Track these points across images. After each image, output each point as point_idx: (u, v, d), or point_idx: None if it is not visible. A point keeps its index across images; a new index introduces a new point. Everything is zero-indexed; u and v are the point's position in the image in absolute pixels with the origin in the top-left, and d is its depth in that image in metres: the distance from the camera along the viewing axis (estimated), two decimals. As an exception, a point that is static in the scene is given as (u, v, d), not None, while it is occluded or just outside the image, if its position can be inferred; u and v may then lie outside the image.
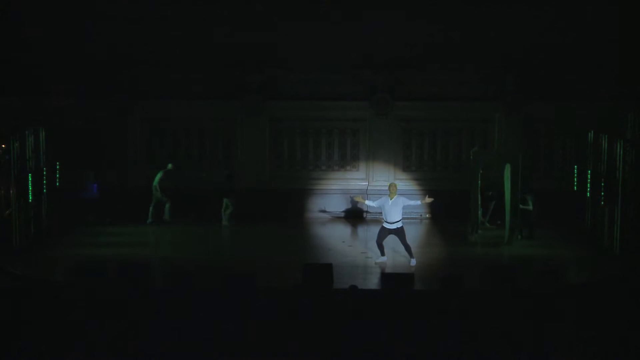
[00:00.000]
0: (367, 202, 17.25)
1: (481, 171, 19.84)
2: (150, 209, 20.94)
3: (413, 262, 16.59)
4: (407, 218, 21.43)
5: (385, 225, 16.59)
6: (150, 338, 11.90)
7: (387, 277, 14.65)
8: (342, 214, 22.29)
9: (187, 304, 13.18)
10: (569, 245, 18.89)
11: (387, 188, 18.62)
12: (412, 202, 16.90)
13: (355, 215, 22.25)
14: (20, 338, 11.88)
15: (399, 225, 16.55)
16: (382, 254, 16.74)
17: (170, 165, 21.17)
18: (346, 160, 22.76)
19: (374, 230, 17.84)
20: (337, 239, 19.74)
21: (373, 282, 15.71)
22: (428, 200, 17.12)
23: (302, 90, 22.22)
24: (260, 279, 14.27)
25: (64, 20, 21.42)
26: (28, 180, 18.26)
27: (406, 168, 22.64)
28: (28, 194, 18.24)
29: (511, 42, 21.58)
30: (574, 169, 20.50)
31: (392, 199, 16.49)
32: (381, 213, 17.00)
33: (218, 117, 22.49)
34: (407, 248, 16.63)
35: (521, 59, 21.77)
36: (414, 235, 19.98)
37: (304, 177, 22.52)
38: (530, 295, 13.91)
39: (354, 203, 21.58)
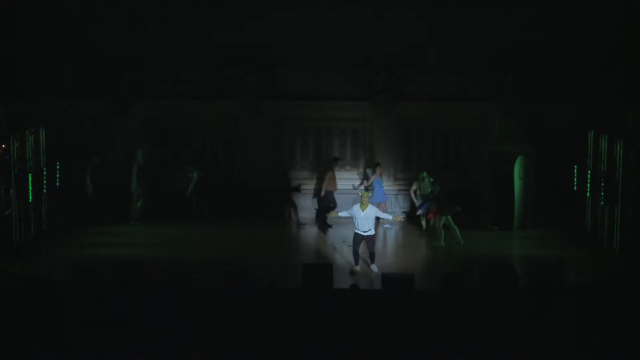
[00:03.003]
0: (339, 213, 17.02)
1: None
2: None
3: (374, 268, 16.36)
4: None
5: (358, 232, 16.31)
6: (150, 338, 11.90)
7: (387, 277, 14.65)
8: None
9: (187, 304, 13.19)
10: (569, 245, 18.89)
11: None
12: (383, 215, 16.76)
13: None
14: (20, 338, 11.88)
15: (371, 233, 16.30)
16: (357, 262, 16.47)
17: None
18: (346, 160, 22.74)
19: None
20: (337, 239, 19.73)
21: (373, 282, 15.72)
22: (398, 218, 17.22)
23: (302, 90, 22.20)
24: (260, 279, 14.29)
25: (64, 20, 21.42)
26: (28, 180, 18.26)
27: (406, 168, 22.61)
28: (28, 194, 18.24)
29: (511, 42, 21.57)
30: (574, 169, 20.51)
31: (364, 211, 16.12)
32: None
33: (218, 117, 22.47)
34: (372, 255, 16.39)
35: (521, 59, 21.76)
36: (413, 234, 19.96)
37: (304, 177, 22.48)
38: (530, 295, 13.92)
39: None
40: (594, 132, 19.22)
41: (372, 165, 21.70)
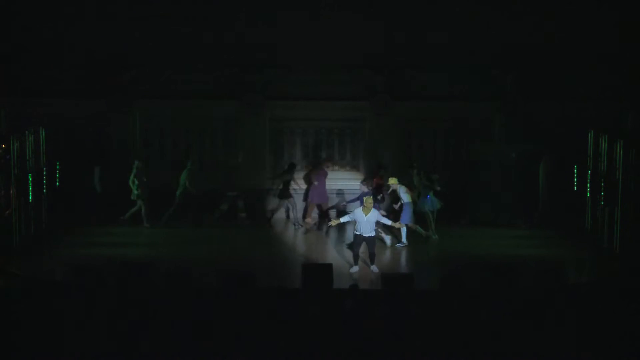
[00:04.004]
0: (341, 219, 16.96)
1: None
2: None
3: (374, 268, 16.42)
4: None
5: (359, 233, 16.40)
6: (150, 338, 11.90)
7: (387, 277, 14.65)
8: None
9: (187, 304, 13.18)
10: (569, 245, 18.90)
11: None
12: (383, 220, 16.74)
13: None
14: (20, 338, 11.88)
15: (372, 234, 16.43)
16: (356, 263, 16.56)
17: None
18: (346, 160, 22.74)
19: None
20: (336, 239, 19.72)
21: (373, 282, 15.72)
22: (397, 225, 17.19)
23: (302, 90, 22.20)
24: (260, 280, 14.28)
25: (64, 20, 21.42)
26: (28, 180, 18.26)
27: (406, 168, 22.57)
28: (28, 194, 18.24)
29: (511, 42, 21.58)
30: (574, 169, 20.52)
31: (367, 215, 16.24)
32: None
33: (218, 117, 22.48)
34: (372, 256, 16.48)
35: (521, 59, 21.77)
36: (414, 234, 19.90)
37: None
38: (530, 295, 13.91)
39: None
40: (594, 132, 19.22)
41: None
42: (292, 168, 21.22)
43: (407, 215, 18.67)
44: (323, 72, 21.95)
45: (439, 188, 19.27)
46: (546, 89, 21.84)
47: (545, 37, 21.57)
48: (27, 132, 18.46)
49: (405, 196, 18.81)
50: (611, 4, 21.17)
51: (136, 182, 20.27)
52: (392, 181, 19.08)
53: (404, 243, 18.62)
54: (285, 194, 20.86)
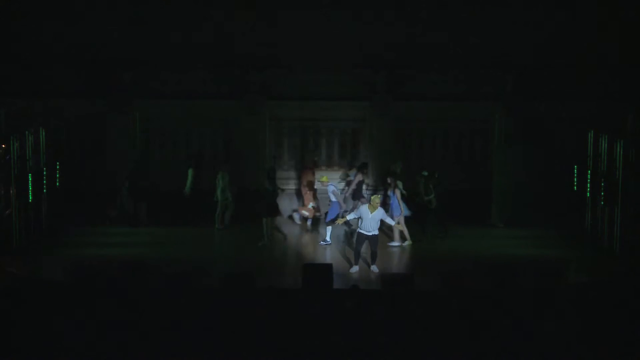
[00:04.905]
0: (347, 217, 17.13)
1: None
2: None
3: (375, 268, 16.50)
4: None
5: (362, 232, 16.51)
6: (150, 339, 11.91)
7: (387, 277, 14.66)
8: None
9: (186, 304, 13.18)
10: (569, 245, 18.90)
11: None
12: (387, 220, 16.81)
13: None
14: (20, 338, 11.89)
15: (375, 233, 16.51)
16: (356, 262, 16.62)
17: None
18: (346, 160, 22.74)
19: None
20: (336, 239, 19.71)
21: (373, 282, 15.73)
22: (397, 226, 17.17)
23: (302, 90, 22.20)
24: (260, 280, 14.29)
25: (64, 20, 21.43)
26: (28, 180, 18.26)
27: (406, 168, 22.56)
28: (28, 194, 18.24)
29: (511, 42, 21.58)
30: (574, 169, 20.51)
31: (373, 213, 16.37)
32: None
33: (218, 117, 22.48)
34: (374, 255, 16.54)
35: (521, 59, 21.76)
36: (413, 234, 19.93)
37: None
38: (530, 295, 13.92)
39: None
40: (594, 132, 19.22)
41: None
42: (365, 167, 21.01)
43: (333, 214, 18.78)
44: (323, 72, 21.94)
45: (404, 192, 19.19)
46: (546, 89, 21.82)
47: (545, 37, 21.56)
48: (27, 132, 18.46)
49: (332, 195, 19.00)
50: (611, 4, 21.17)
51: (220, 184, 20.19)
52: (324, 179, 19.44)
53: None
54: (358, 195, 20.68)
